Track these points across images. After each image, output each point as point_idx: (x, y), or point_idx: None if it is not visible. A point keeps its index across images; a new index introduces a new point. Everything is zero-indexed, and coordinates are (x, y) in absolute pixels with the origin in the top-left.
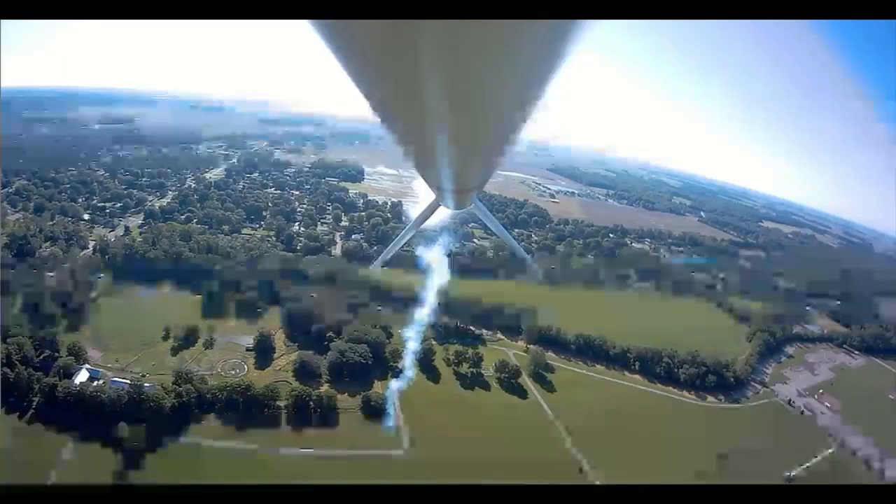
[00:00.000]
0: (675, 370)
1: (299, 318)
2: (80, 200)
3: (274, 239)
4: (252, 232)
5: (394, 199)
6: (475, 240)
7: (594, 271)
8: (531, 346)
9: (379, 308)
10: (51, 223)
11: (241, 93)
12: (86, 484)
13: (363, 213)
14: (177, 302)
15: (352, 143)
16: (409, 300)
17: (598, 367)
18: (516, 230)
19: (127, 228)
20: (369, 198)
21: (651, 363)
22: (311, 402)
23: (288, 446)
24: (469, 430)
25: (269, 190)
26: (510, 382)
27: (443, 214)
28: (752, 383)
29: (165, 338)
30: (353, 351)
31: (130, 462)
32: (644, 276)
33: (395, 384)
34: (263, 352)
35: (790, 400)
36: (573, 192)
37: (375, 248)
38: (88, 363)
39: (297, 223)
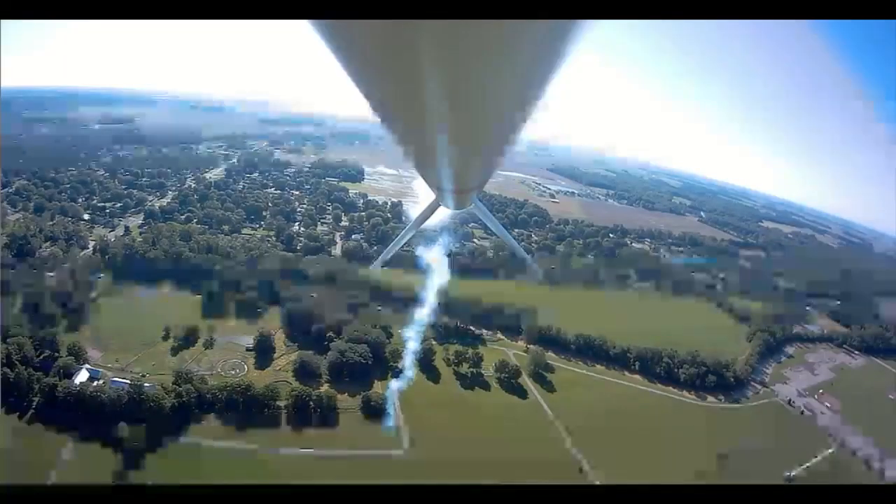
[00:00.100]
0: (675, 370)
1: (299, 318)
2: (80, 200)
3: (274, 239)
4: (252, 232)
5: (394, 199)
6: (475, 240)
7: (594, 271)
8: (531, 346)
9: (379, 308)
10: (51, 223)
11: (241, 93)
12: (86, 484)
13: (363, 213)
14: (177, 302)
15: (352, 143)
16: (409, 300)
17: (598, 367)
18: (516, 230)
19: (127, 228)
20: (369, 198)
21: (651, 363)
22: (311, 402)
23: (288, 446)
24: (469, 430)
25: (269, 190)
26: (510, 382)
27: (443, 214)
28: (752, 383)
29: (165, 338)
30: (353, 351)
31: (130, 462)
32: (644, 276)
33: (395, 384)
34: (263, 352)
35: (790, 400)
36: (573, 192)
37: (375, 248)
38: (88, 363)
39: (297, 223)
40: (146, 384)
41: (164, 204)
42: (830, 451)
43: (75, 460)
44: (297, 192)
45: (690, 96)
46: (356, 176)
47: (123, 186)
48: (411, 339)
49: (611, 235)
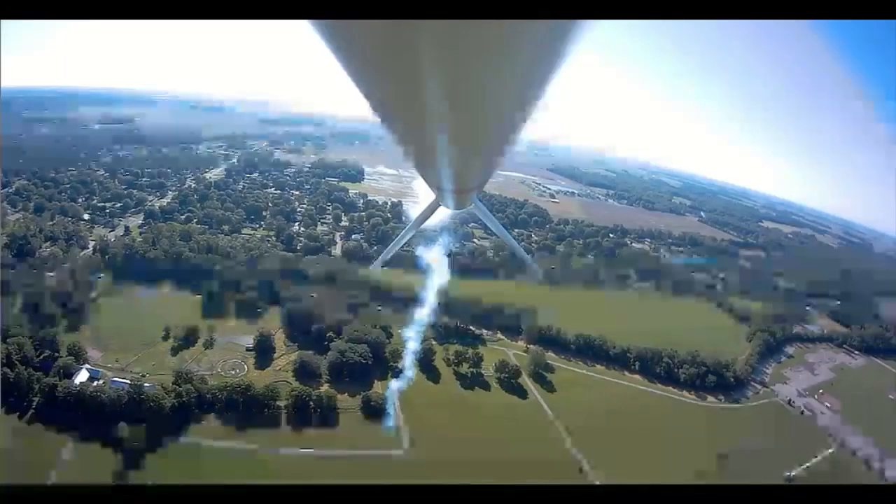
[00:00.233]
0: (675, 370)
1: (299, 318)
2: (80, 200)
3: (274, 239)
4: (252, 232)
5: (394, 199)
6: (475, 240)
7: (594, 271)
8: (531, 346)
9: (379, 308)
10: (51, 223)
11: (241, 93)
12: (86, 484)
13: (363, 213)
14: (177, 302)
15: (352, 143)
16: (409, 300)
17: (598, 367)
18: (516, 230)
19: (127, 228)
20: (369, 198)
21: (651, 363)
22: (311, 402)
23: (288, 446)
24: (469, 430)
25: (269, 190)
26: (510, 382)
27: (443, 214)
28: (752, 383)
29: (165, 338)
30: (353, 351)
31: (130, 462)
32: (644, 276)
33: (395, 384)
34: (263, 352)
35: (790, 400)
36: (573, 192)
37: (375, 248)
38: (88, 363)
39: (297, 223)
40: (146, 384)
41: (164, 204)
42: (830, 451)
43: (75, 460)
44: (297, 192)
45: (690, 96)
46: (356, 176)
47: (123, 186)
48: (411, 339)
49: (611, 235)
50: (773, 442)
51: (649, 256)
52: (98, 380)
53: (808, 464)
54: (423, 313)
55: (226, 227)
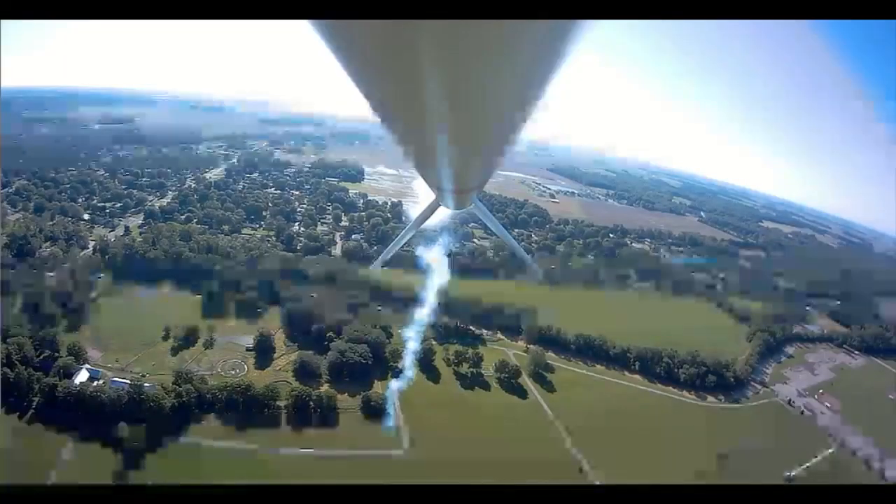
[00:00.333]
0: (675, 370)
1: (299, 318)
2: (80, 200)
3: (274, 239)
4: (252, 232)
5: (394, 199)
6: (475, 240)
7: (594, 271)
8: (531, 346)
9: (379, 308)
10: (51, 223)
11: (241, 93)
12: (86, 484)
13: (363, 213)
14: (177, 302)
15: (352, 143)
16: (409, 300)
17: (598, 367)
18: (516, 230)
19: (127, 228)
20: (369, 198)
21: (651, 363)
22: (311, 402)
23: (288, 446)
24: (469, 430)
25: (269, 190)
26: (510, 382)
27: (443, 214)
28: (752, 383)
29: (165, 338)
30: (353, 351)
31: (130, 462)
32: (644, 276)
33: (395, 384)
34: (263, 352)
35: (790, 400)
36: (573, 192)
37: (375, 248)
38: (88, 363)
39: (297, 223)
40: (146, 384)
41: (164, 204)
42: (830, 451)
43: (75, 460)
44: (297, 192)
45: (690, 96)
46: (356, 176)
47: (123, 186)
48: (411, 339)
49: (611, 235)
50: (773, 442)
51: (649, 256)
52: (98, 380)
53: (808, 464)
54: (423, 313)
55: (226, 227)
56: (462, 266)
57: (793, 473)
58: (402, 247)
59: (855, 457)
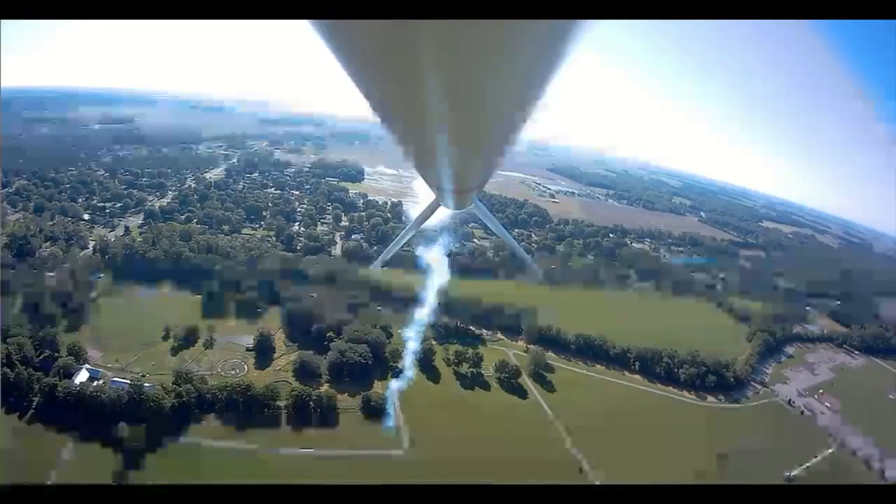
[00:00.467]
0: (675, 370)
1: (299, 318)
2: (80, 200)
3: (274, 239)
4: (252, 232)
5: (394, 199)
6: (475, 240)
7: (594, 271)
8: (531, 346)
9: (379, 308)
10: (51, 223)
11: (241, 93)
12: (86, 484)
13: (363, 213)
14: (177, 302)
15: (352, 143)
16: (409, 300)
17: (598, 367)
18: (516, 230)
19: (127, 228)
20: (369, 198)
21: (651, 363)
22: (311, 402)
23: (288, 446)
24: (469, 430)
25: (269, 190)
26: (510, 382)
27: (443, 214)
28: (752, 383)
29: (165, 338)
30: (353, 351)
31: (130, 462)
32: (644, 276)
33: (395, 384)
34: (263, 352)
35: (790, 400)
36: (573, 192)
37: (375, 248)
38: (88, 363)
39: (297, 223)
40: (146, 384)
41: (164, 204)
42: (830, 451)
43: (75, 460)
44: (297, 192)
45: (690, 96)
46: (356, 176)
47: (123, 186)
48: (411, 339)
49: (611, 235)
50: (773, 442)
51: (649, 256)
52: (98, 380)
53: (808, 464)
54: (423, 313)
55: (226, 227)
56: (462, 266)
57: (793, 473)
58: (402, 247)
59: (855, 457)
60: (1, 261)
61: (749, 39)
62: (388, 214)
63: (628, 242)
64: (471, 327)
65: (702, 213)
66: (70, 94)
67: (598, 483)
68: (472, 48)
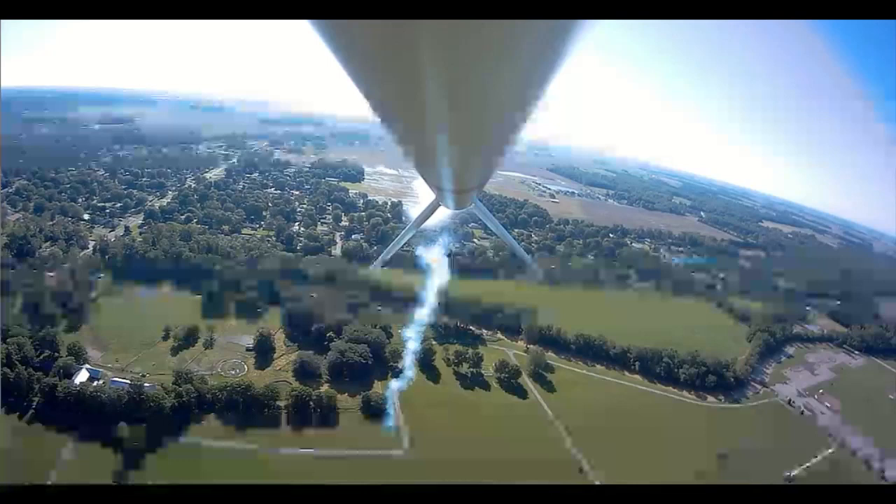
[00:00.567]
0: (675, 370)
1: (299, 318)
2: (80, 200)
3: (274, 239)
4: (252, 232)
5: (394, 199)
6: (475, 240)
7: (594, 271)
8: (531, 346)
9: (379, 308)
10: (51, 223)
11: (241, 93)
12: (86, 484)
13: (363, 213)
14: (177, 302)
15: (352, 143)
16: (409, 300)
17: (598, 367)
18: (516, 230)
19: (127, 228)
20: (369, 198)
21: (651, 363)
22: (311, 402)
23: (288, 446)
24: (469, 430)
25: (269, 190)
26: (510, 382)
27: (443, 214)
28: (752, 383)
29: (165, 338)
30: (353, 351)
31: (130, 462)
32: (644, 276)
33: (395, 384)
34: (263, 352)
35: (790, 400)
36: (573, 192)
37: (375, 248)
38: (88, 363)
39: (297, 223)
40: (146, 384)
41: (164, 204)
42: (830, 451)
43: (75, 460)
44: (297, 192)
45: (690, 96)
46: (356, 176)
47: (123, 186)
48: (411, 339)
49: (611, 235)
50: (772, 442)
51: (649, 256)
52: (98, 380)
53: (808, 464)
54: (423, 313)
55: (226, 227)
56: (462, 266)
57: (793, 473)
58: (402, 247)
59: (855, 457)
60: (1, 261)
61: (749, 39)
62: (388, 214)
63: (628, 242)
64: (471, 327)
65: (702, 213)
66: (70, 94)
67: (598, 483)
68: (472, 48)
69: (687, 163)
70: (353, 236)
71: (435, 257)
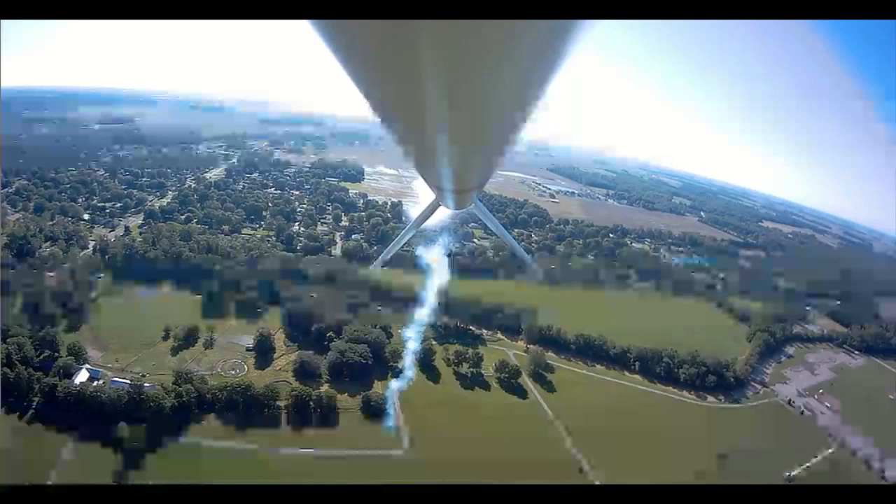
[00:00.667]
0: (675, 370)
1: (299, 318)
2: (80, 200)
3: (274, 239)
4: (252, 232)
5: (394, 199)
6: (475, 240)
7: (594, 271)
8: (531, 346)
9: (379, 308)
10: (51, 223)
11: (241, 93)
12: (86, 484)
13: (363, 213)
14: (177, 302)
15: (352, 143)
16: (409, 300)
17: (598, 367)
18: (516, 230)
19: (127, 228)
20: (369, 198)
21: (651, 363)
22: (311, 402)
23: (288, 446)
24: (469, 430)
25: (269, 190)
26: (510, 382)
27: (443, 214)
28: (752, 383)
29: (165, 338)
30: (353, 351)
31: (130, 462)
32: (644, 276)
33: (394, 384)
34: (263, 352)
35: (790, 400)
36: (573, 192)
37: (375, 248)
38: (88, 363)
39: (297, 223)
40: (146, 384)
41: (164, 204)
42: (830, 451)
43: (75, 460)
44: (297, 192)
45: (690, 96)
46: (356, 176)
47: (123, 186)
48: (411, 339)
49: (611, 235)
50: (772, 442)
51: (649, 256)
52: (98, 380)
53: (808, 464)
54: (423, 313)
55: (226, 227)
56: (462, 266)
57: (793, 473)
58: (402, 247)
59: (855, 457)
60: (1, 261)
61: (749, 39)
62: (388, 214)
63: (628, 242)
64: (471, 327)
65: (702, 213)
66: (70, 94)
67: (598, 483)
68: (472, 48)
69: (687, 163)
70: (353, 236)
71: (435, 257)
